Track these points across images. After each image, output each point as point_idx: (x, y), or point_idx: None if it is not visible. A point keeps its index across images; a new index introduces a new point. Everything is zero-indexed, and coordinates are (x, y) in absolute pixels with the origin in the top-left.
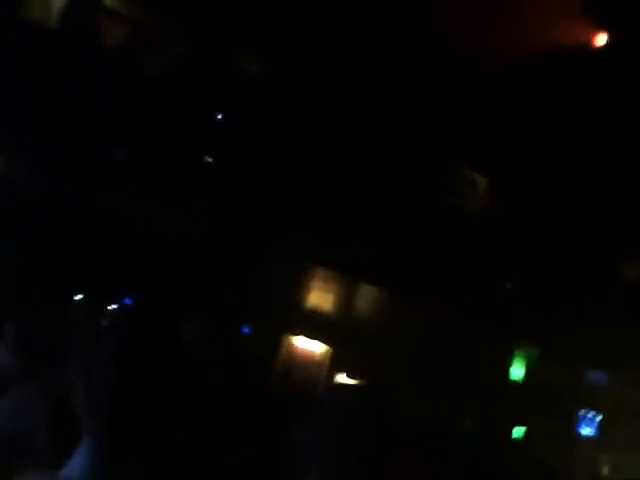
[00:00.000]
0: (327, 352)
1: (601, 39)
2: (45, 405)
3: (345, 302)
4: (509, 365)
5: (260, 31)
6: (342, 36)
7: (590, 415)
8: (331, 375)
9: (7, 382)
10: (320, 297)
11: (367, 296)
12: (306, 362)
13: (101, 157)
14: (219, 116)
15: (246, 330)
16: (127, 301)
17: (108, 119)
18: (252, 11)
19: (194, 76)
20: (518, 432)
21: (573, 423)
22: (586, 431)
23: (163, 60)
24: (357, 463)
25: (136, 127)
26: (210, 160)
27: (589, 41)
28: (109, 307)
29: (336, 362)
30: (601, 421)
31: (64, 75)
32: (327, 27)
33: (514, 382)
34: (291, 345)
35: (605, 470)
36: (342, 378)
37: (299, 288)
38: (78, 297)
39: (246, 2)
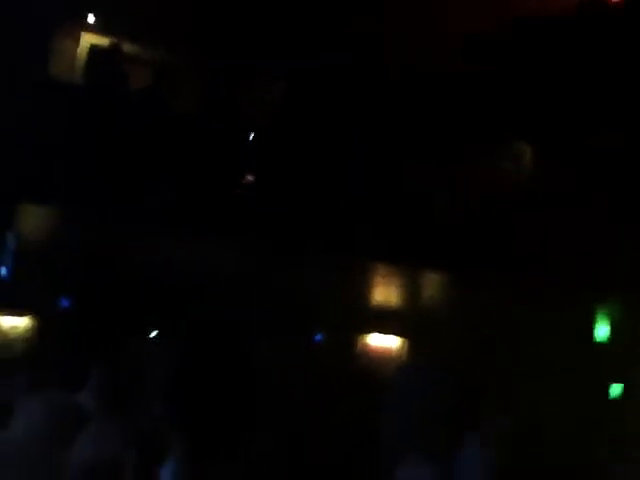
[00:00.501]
0: (402, 345)
1: None
2: (127, 437)
3: (411, 292)
4: (593, 327)
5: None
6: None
7: None
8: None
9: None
10: (385, 292)
11: (432, 283)
12: (383, 358)
13: (147, 197)
14: (250, 139)
15: (318, 338)
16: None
17: (143, 160)
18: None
19: (217, 108)
20: (615, 390)
21: None
22: None
23: (187, 97)
24: (439, 438)
25: (172, 165)
26: (250, 180)
27: None
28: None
29: (413, 353)
30: None
31: (98, 124)
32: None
33: (600, 343)
34: (365, 344)
35: None
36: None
37: (362, 287)
38: (153, 334)
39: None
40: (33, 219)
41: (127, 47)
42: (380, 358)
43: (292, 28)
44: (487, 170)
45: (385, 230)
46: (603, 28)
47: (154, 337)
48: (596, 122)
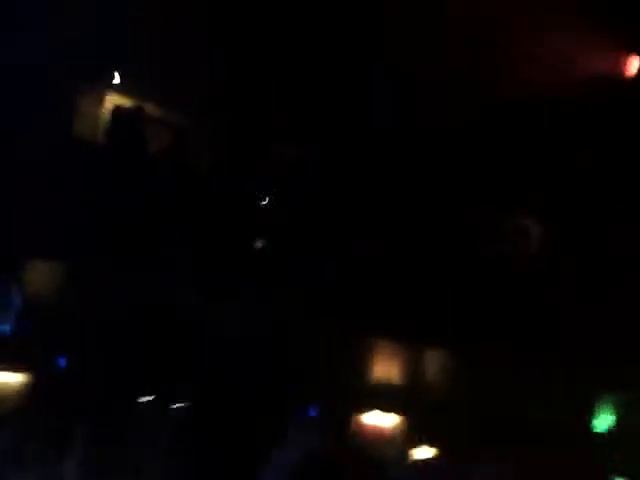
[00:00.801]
0: (400, 423)
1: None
2: None
3: (410, 370)
4: (593, 416)
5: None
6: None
7: None
8: (409, 447)
9: None
10: (384, 369)
11: (433, 361)
12: (380, 436)
13: (158, 258)
14: (265, 202)
15: (313, 412)
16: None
17: (158, 220)
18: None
19: (238, 171)
20: None
21: None
22: None
23: (209, 158)
24: None
25: (186, 226)
26: (260, 246)
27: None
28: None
29: (411, 432)
30: None
31: (117, 183)
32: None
33: (601, 434)
34: (361, 421)
35: None
36: (421, 450)
37: (361, 363)
38: (145, 399)
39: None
40: (40, 276)
41: (150, 108)
42: (376, 436)
43: (312, 92)
44: (488, 248)
45: (387, 307)
46: (619, 103)
47: (148, 403)
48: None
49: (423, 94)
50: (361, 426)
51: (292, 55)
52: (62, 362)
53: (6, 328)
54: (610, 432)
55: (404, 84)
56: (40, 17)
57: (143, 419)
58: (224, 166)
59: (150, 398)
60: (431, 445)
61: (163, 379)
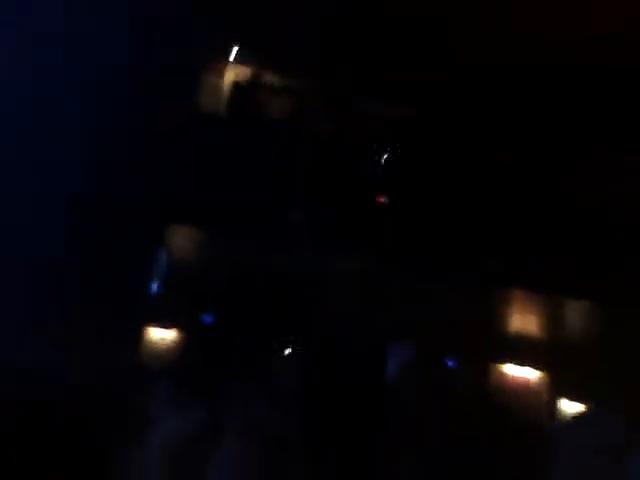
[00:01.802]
0: (542, 378)
1: None
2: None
3: (552, 322)
4: None
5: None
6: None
7: None
8: (551, 402)
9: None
10: (524, 320)
11: (575, 312)
12: (521, 391)
13: (288, 218)
14: (384, 160)
15: (451, 363)
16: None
17: (284, 183)
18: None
19: (353, 132)
20: None
21: None
22: None
23: (325, 123)
24: None
25: (312, 187)
26: (383, 201)
27: None
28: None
29: (553, 387)
30: None
31: (240, 152)
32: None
33: None
34: (501, 374)
35: None
36: (564, 404)
37: (501, 313)
38: (287, 352)
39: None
40: (184, 238)
41: (268, 78)
42: (517, 390)
43: (425, 48)
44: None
45: (526, 256)
46: None
47: (289, 354)
48: None
49: None
50: (500, 378)
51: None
52: (208, 319)
53: (155, 288)
54: None
55: None
56: None
57: (279, 369)
58: (342, 131)
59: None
60: (573, 401)
61: (296, 336)
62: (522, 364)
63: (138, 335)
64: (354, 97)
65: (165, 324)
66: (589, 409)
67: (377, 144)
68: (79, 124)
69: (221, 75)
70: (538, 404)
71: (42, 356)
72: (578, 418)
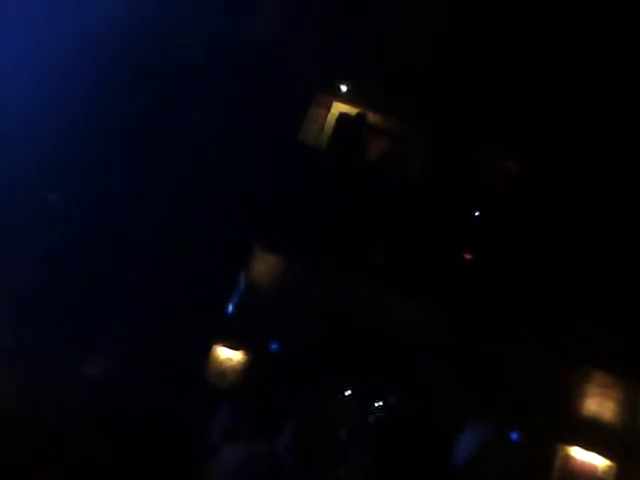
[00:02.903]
0: (610, 468)
1: None
2: None
3: (629, 411)
4: None
5: (514, 128)
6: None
7: None
8: None
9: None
10: (600, 404)
11: None
12: (586, 477)
13: (370, 259)
14: (475, 216)
15: (515, 436)
16: (391, 398)
17: (373, 223)
18: (505, 111)
19: (451, 179)
20: None
21: None
22: None
23: (422, 166)
24: None
25: (399, 231)
26: (469, 258)
27: None
28: (375, 404)
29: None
30: None
31: (337, 186)
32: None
33: None
34: (567, 456)
35: None
36: None
37: (576, 394)
38: (347, 392)
39: (498, 103)
40: (264, 266)
41: (371, 117)
42: (581, 475)
43: (523, 105)
44: None
45: (606, 335)
46: None
47: (347, 397)
48: None
49: None
50: (567, 461)
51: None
52: (275, 347)
53: (230, 310)
54: None
55: None
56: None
57: (342, 412)
58: (439, 175)
59: (350, 392)
60: None
61: (363, 377)
62: (591, 450)
63: (208, 352)
64: (462, 149)
65: (234, 345)
66: None
67: (480, 199)
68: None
69: (328, 108)
70: None
71: (120, 370)
72: None
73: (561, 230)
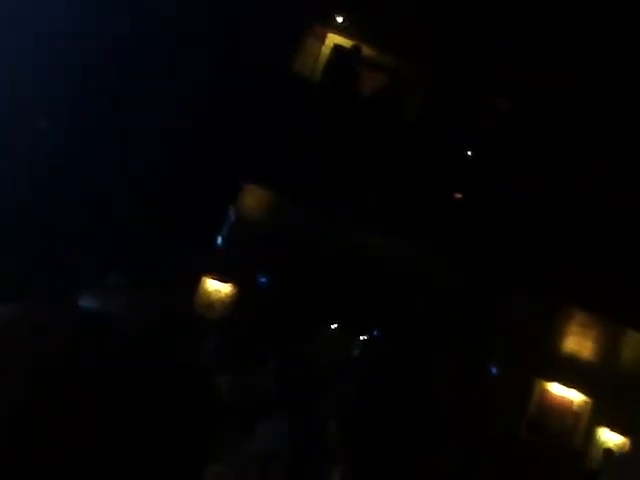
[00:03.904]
0: (585, 403)
1: None
2: (296, 431)
3: (606, 350)
4: None
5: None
6: None
7: None
8: (590, 428)
9: (269, 406)
10: (578, 343)
11: (631, 343)
12: (561, 411)
13: (358, 195)
14: (469, 153)
15: (494, 370)
16: (376, 333)
17: (362, 159)
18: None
19: (444, 117)
20: None
21: None
22: None
23: (417, 103)
24: None
25: (387, 166)
26: (458, 197)
27: None
28: (360, 337)
29: (596, 414)
30: None
31: (328, 121)
32: None
33: None
34: (545, 390)
35: None
36: (603, 432)
37: (556, 333)
38: (333, 326)
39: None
40: (254, 200)
41: (366, 50)
42: (557, 410)
43: (525, 43)
44: None
45: (588, 276)
46: None
47: (336, 330)
48: None
49: None
50: (544, 395)
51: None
52: (263, 280)
53: (220, 242)
54: None
55: None
56: None
57: (329, 347)
58: (432, 113)
59: (336, 327)
60: (615, 430)
61: (350, 312)
62: (569, 385)
63: (196, 283)
64: (449, 84)
65: (222, 277)
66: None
67: (465, 136)
68: (166, 91)
69: (322, 39)
70: (576, 427)
71: (104, 301)
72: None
73: (548, 174)
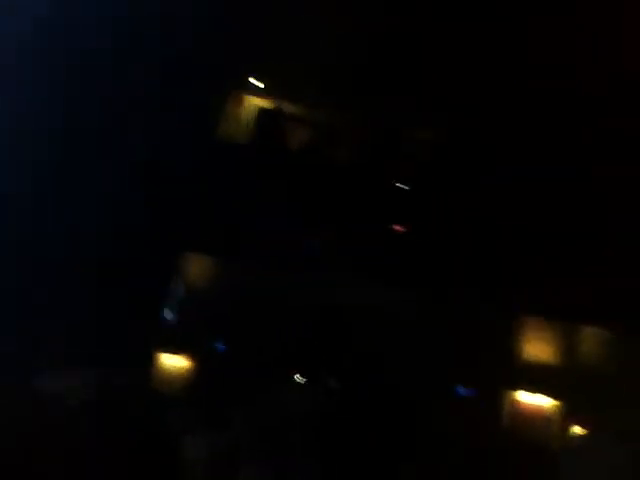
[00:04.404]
0: (556, 406)
1: None
2: None
3: (566, 350)
4: None
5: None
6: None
7: None
8: (564, 430)
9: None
10: (538, 348)
11: (589, 339)
12: (534, 418)
13: (305, 248)
14: (405, 188)
15: (462, 391)
16: (333, 383)
17: (303, 212)
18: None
19: (376, 160)
20: None
21: None
22: None
23: (345, 153)
24: None
25: (329, 215)
26: (402, 230)
27: None
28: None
29: (567, 415)
30: None
31: (260, 180)
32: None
33: None
34: (515, 401)
35: None
36: (575, 431)
37: (515, 341)
38: (296, 377)
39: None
40: (198, 268)
41: (289, 108)
42: (530, 418)
43: (451, 80)
44: None
45: (542, 284)
46: None
47: (301, 383)
48: None
49: None
50: (517, 406)
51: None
52: (221, 347)
53: (170, 315)
54: None
55: None
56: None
57: (293, 403)
58: (361, 158)
59: (301, 381)
60: (586, 428)
61: (312, 365)
62: (535, 391)
63: (150, 360)
64: (376, 127)
65: (177, 350)
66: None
67: (397, 174)
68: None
69: (242, 104)
70: (549, 430)
71: (56, 378)
72: (585, 443)
73: (484, 193)
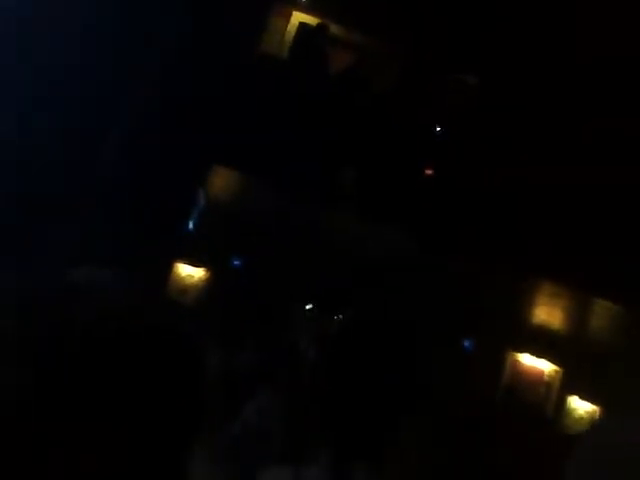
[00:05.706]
0: (556, 372)
1: None
2: (282, 411)
3: (576, 319)
4: None
5: (474, 44)
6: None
7: None
8: (561, 397)
9: (254, 388)
10: (548, 313)
11: (600, 313)
12: (533, 381)
13: (330, 176)
14: (437, 132)
15: (467, 345)
16: (349, 311)
17: (333, 141)
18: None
19: (414, 91)
20: None
21: None
22: None
23: (385, 80)
24: None
25: (362, 148)
26: (430, 173)
27: None
28: (335, 317)
29: (567, 384)
30: None
31: (297, 101)
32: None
33: None
34: (516, 362)
35: None
36: (574, 401)
37: (525, 303)
38: (308, 307)
39: (460, 18)
40: (223, 181)
41: (333, 28)
42: (529, 380)
43: (493, 25)
44: None
45: (555, 247)
46: None
47: (311, 310)
48: None
49: None
50: (515, 366)
51: None
52: (237, 263)
53: (190, 226)
54: None
55: None
56: None
57: (302, 326)
58: (401, 90)
59: (311, 306)
60: (585, 397)
61: (324, 292)
62: (540, 356)
63: (168, 270)
64: (418, 61)
65: (195, 262)
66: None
67: (435, 116)
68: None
69: (287, 19)
70: (548, 397)
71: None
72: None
73: (516, 150)
